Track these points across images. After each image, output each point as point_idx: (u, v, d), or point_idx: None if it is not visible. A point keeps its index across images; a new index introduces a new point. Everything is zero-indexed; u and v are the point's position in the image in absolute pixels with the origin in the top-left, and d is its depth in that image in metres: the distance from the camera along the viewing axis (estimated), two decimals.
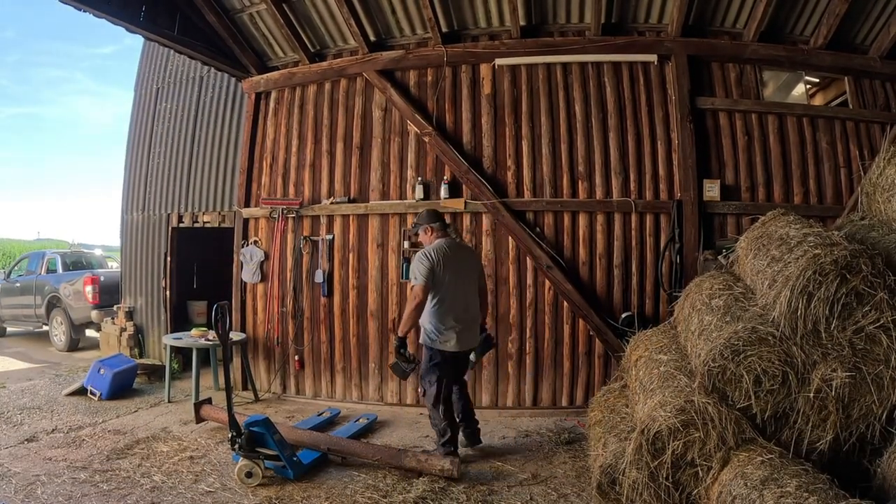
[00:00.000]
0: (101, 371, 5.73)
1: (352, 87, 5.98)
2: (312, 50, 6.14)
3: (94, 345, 8.72)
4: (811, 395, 2.86)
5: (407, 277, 5.56)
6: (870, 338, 2.83)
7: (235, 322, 6.11)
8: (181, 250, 7.46)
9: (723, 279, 3.65)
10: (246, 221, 6.22)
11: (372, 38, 5.88)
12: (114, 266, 10.56)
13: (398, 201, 5.71)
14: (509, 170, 5.54)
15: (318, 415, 5.11)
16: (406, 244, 5.58)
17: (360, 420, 4.91)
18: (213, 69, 6.75)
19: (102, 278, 8.61)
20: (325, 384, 5.84)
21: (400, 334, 3.93)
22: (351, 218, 5.82)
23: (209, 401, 4.91)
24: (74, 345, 8.76)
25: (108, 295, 8.34)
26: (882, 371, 2.81)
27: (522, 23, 5.51)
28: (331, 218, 5.89)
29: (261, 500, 3.45)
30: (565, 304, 5.35)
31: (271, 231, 6.08)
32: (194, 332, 5.75)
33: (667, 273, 5.27)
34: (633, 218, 5.34)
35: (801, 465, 2.64)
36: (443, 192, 5.51)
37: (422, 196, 5.59)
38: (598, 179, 5.42)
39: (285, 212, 5.98)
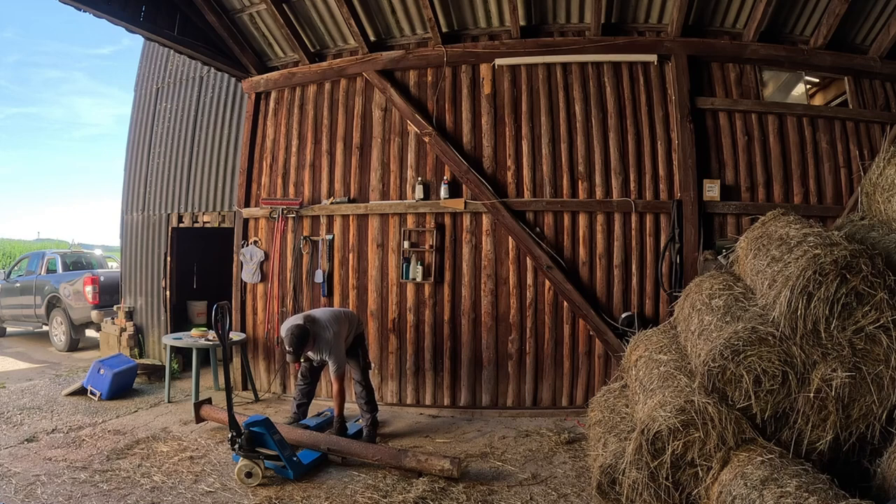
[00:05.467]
0: (101, 371, 5.73)
1: (352, 87, 5.98)
2: (312, 50, 6.14)
3: (94, 345, 8.72)
4: (811, 395, 2.86)
5: (407, 277, 5.57)
6: (870, 338, 2.83)
7: (235, 322, 6.11)
8: (181, 250, 7.46)
9: (723, 279, 3.66)
10: (246, 221, 6.22)
11: (372, 38, 5.88)
12: (114, 266, 10.56)
13: (398, 201, 5.71)
14: (509, 170, 5.54)
15: (318, 415, 5.10)
16: (406, 244, 5.58)
17: (360, 420, 4.91)
18: (213, 69, 6.75)
19: (102, 278, 8.61)
20: (325, 384, 5.83)
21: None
22: (351, 218, 5.82)
23: (209, 401, 4.91)
24: (74, 345, 8.76)
25: (108, 295, 8.35)
26: (882, 371, 2.81)
27: (522, 23, 5.51)
28: (331, 218, 5.89)
29: (261, 500, 3.45)
30: (565, 304, 5.35)
31: (271, 231, 6.08)
32: (194, 332, 5.75)
33: (667, 273, 5.27)
34: (633, 218, 5.34)
35: (801, 465, 2.64)
36: (443, 192, 5.51)
37: (422, 196, 5.59)
38: (597, 179, 5.42)
39: (285, 212, 5.98)
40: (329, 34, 6.03)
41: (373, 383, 5.64)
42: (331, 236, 5.87)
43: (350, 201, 5.84)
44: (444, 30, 5.65)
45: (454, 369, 5.53)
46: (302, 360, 4.77)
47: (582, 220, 5.41)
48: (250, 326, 6.17)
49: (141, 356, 7.30)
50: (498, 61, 5.58)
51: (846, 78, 5.45)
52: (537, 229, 5.42)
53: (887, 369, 2.80)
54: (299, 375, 4.86)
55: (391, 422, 5.14)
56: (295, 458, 3.80)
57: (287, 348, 4.25)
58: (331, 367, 4.46)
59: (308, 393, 4.83)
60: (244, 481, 3.64)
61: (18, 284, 9.81)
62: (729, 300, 3.36)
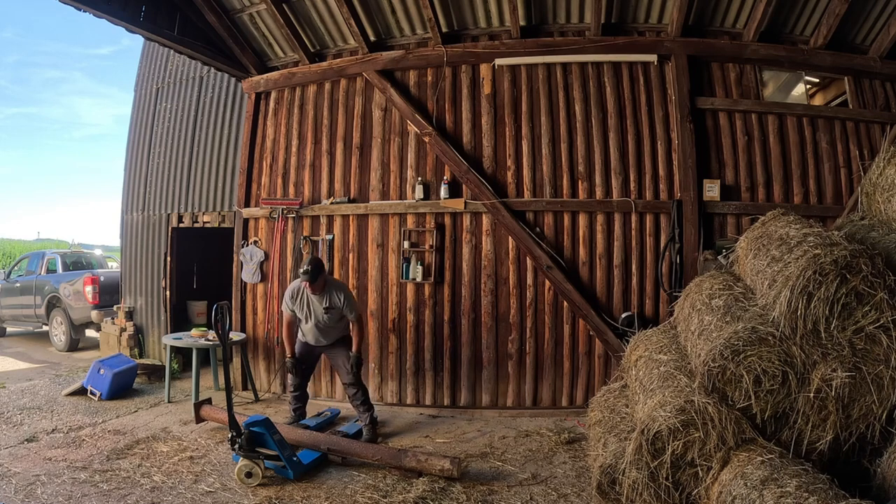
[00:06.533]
0: (101, 371, 5.73)
1: (352, 87, 5.98)
2: (312, 50, 6.14)
3: (94, 345, 8.72)
4: (811, 395, 2.86)
5: (407, 277, 5.57)
6: (870, 338, 2.83)
7: (235, 322, 6.11)
8: (181, 250, 7.46)
9: (723, 279, 3.65)
10: (246, 221, 6.22)
11: (372, 38, 5.88)
12: (114, 266, 10.56)
13: (398, 201, 5.71)
14: (509, 170, 5.54)
15: (318, 415, 5.11)
16: (406, 244, 5.58)
17: (359, 421, 4.91)
18: (213, 69, 6.75)
19: (102, 278, 8.61)
20: (325, 384, 5.84)
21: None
22: (351, 218, 5.82)
23: (209, 401, 4.91)
24: (74, 345, 8.76)
25: (108, 295, 8.35)
26: (882, 371, 2.81)
27: (522, 23, 5.51)
28: (331, 218, 5.89)
29: (261, 500, 3.44)
30: (565, 304, 5.35)
31: (271, 231, 6.08)
32: (194, 332, 5.75)
33: (667, 273, 5.27)
34: (633, 218, 5.34)
35: (801, 465, 2.64)
36: (443, 192, 5.51)
37: (422, 196, 5.59)
38: (597, 179, 5.42)
39: (285, 212, 5.98)
40: (329, 34, 6.03)
41: (372, 383, 5.66)
42: (331, 236, 5.87)
43: (350, 201, 5.84)
44: (444, 30, 5.65)
45: (454, 369, 5.53)
46: (292, 372, 4.80)
47: (582, 220, 5.41)
48: (250, 326, 6.17)
49: (141, 356, 7.30)
50: (498, 61, 5.58)
51: (846, 78, 5.45)
52: (537, 229, 5.42)
53: (887, 369, 2.80)
54: (290, 386, 4.93)
55: (391, 422, 5.14)
56: (295, 458, 3.80)
57: (305, 267, 4.41)
58: (349, 313, 4.67)
59: (301, 397, 4.92)
60: (244, 481, 3.64)
61: (18, 284, 9.81)
62: (729, 300, 3.36)
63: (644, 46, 5.46)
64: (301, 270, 4.48)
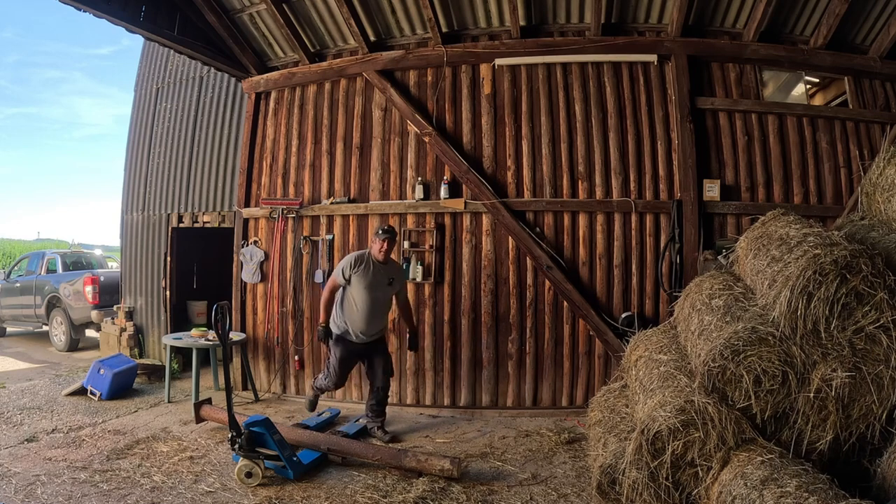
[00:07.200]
0: (101, 371, 5.73)
1: (352, 87, 5.98)
2: (312, 50, 6.14)
3: (94, 345, 8.72)
4: (811, 395, 2.86)
5: (407, 277, 5.56)
6: (870, 338, 2.83)
7: (235, 322, 6.11)
8: (181, 250, 7.46)
9: (723, 279, 3.66)
10: (246, 221, 6.22)
11: (372, 38, 5.88)
12: (114, 266, 10.56)
13: (398, 201, 5.71)
14: (509, 170, 5.54)
15: (318, 415, 5.11)
16: (406, 244, 5.58)
17: (360, 420, 4.91)
18: (213, 69, 6.75)
19: (102, 278, 8.61)
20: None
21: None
22: (351, 218, 5.82)
23: (209, 401, 4.91)
24: (74, 345, 8.76)
25: (108, 295, 8.35)
26: (882, 371, 2.81)
27: (522, 23, 5.51)
28: (331, 218, 5.89)
29: (261, 500, 3.44)
30: (565, 304, 5.35)
31: (271, 231, 6.08)
32: (194, 332, 5.74)
33: (667, 273, 5.27)
34: (633, 218, 5.34)
35: (801, 465, 2.64)
36: (443, 192, 5.51)
37: (422, 196, 5.59)
38: (597, 179, 5.42)
39: (285, 212, 5.98)
40: (329, 34, 6.03)
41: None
42: (331, 236, 5.87)
43: (350, 201, 5.83)
44: (444, 30, 5.65)
45: (454, 369, 5.53)
46: (324, 341, 4.66)
47: (582, 220, 5.41)
48: (250, 326, 6.17)
49: (141, 356, 7.30)
50: (498, 61, 5.58)
51: (846, 78, 5.45)
52: (537, 229, 5.42)
53: (887, 369, 2.80)
54: (327, 374, 4.75)
55: (391, 422, 5.13)
56: (295, 458, 3.80)
57: (386, 227, 4.62)
58: (402, 292, 4.87)
59: (325, 390, 4.93)
60: (244, 481, 3.64)
61: (18, 284, 9.81)
62: (729, 300, 3.36)
63: (644, 46, 5.46)
64: (382, 229, 4.56)
